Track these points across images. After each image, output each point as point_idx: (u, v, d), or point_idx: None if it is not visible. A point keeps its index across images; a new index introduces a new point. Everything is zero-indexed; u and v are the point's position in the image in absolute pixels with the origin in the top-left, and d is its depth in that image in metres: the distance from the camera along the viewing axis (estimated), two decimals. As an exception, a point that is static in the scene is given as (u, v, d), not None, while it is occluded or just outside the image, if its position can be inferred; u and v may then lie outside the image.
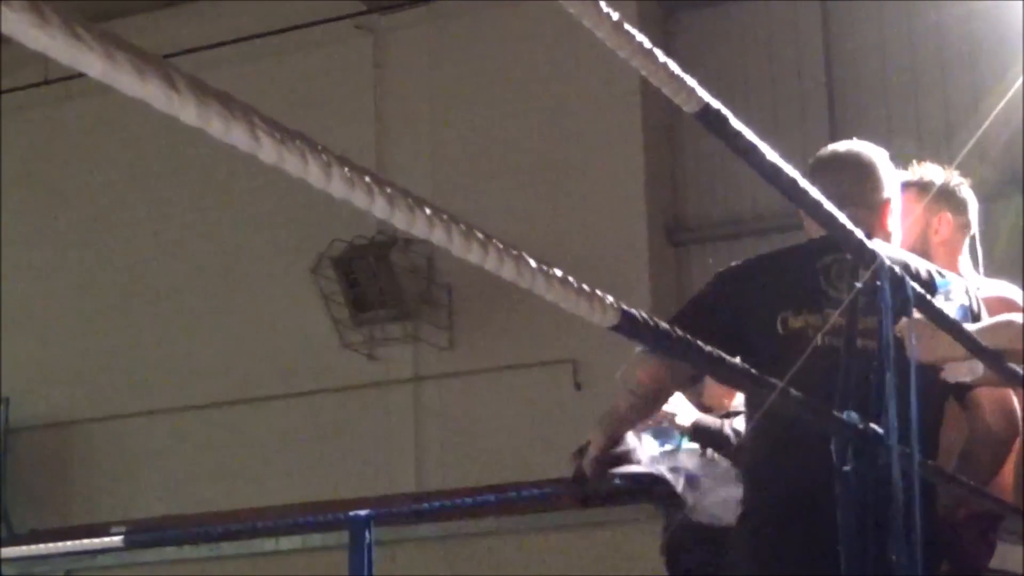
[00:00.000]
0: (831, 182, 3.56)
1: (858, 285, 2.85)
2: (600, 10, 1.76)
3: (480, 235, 1.44)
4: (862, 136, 4.09)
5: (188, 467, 11.20)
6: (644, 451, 4.59)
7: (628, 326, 1.70)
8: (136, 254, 11.63)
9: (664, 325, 1.79)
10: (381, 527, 6.84)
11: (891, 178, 3.86)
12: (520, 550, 9.82)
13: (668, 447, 5.09)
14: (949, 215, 4.29)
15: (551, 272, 1.55)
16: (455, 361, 10.62)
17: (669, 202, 10.66)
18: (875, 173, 3.81)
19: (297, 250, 10.87)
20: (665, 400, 4.10)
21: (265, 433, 11.06)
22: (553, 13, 9.94)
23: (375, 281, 10.52)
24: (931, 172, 4.34)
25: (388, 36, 11.18)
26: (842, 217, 2.61)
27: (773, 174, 2.28)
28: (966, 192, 4.35)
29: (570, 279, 1.58)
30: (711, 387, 5.21)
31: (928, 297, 3.15)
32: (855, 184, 3.74)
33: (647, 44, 1.90)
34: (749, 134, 2.20)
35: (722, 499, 4.82)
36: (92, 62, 1.12)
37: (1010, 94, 8.36)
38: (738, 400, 5.00)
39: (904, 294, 2.89)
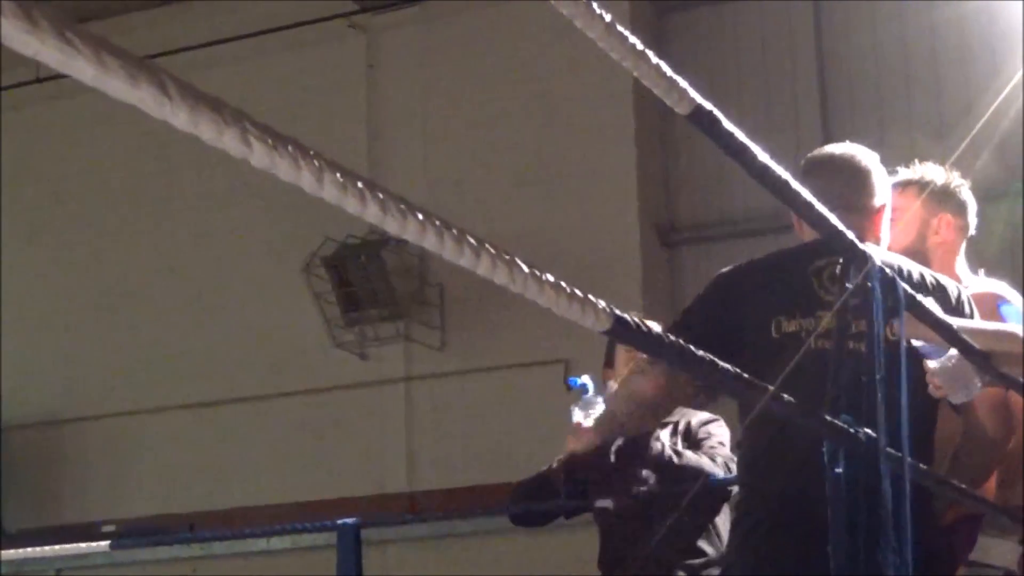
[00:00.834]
0: (824, 184, 3.56)
1: (849, 287, 2.85)
2: (592, 11, 1.76)
3: (472, 240, 1.44)
4: (855, 136, 4.09)
5: (179, 466, 11.19)
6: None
7: (620, 331, 1.70)
8: (128, 253, 11.62)
9: (656, 330, 1.79)
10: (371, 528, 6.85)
11: (884, 184, 3.86)
12: (513, 548, 9.82)
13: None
14: (949, 216, 4.30)
15: (543, 277, 1.55)
16: (447, 361, 10.62)
17: (662, 203, 10.66)
18: (869, 179, 3.81)
19: (289, 249, 10.86)
20: (666, 413, 4.09)
21: (257, 432, 11.05)
22: (546, 14, 9.94)
23: (367, 281, 10.52)
24: (932, 172, 4.34)
25: (381, 35, 11.17)
26: (833, 219, 2.61)
27: (764, 175, 2.29)
28: (966, 194, 4.35)
29: (562, 284, 1.58)
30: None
31: (919, 299, 3.15)
32: (849, 188, 3.75)
33: (639, 45, 1.90)
34: (740, 135, 2.21)
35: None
36: (83, 67, 1.12)
37: (1003, 95, 8.38)
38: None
39: (895, 296, 2.89)
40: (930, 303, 3.25)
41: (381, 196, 1.33)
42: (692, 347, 1.86)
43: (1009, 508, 3.89)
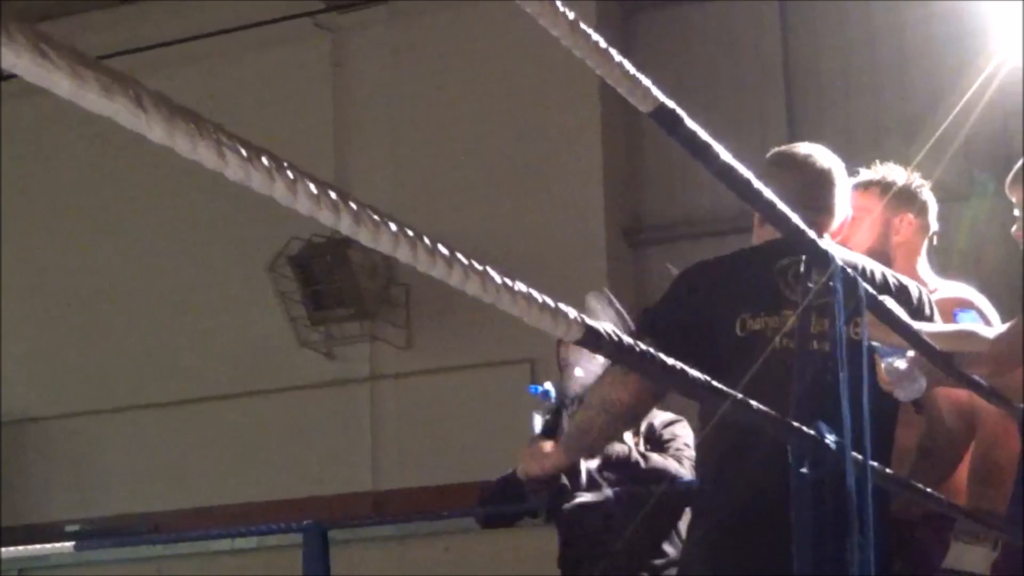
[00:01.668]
0: (788, 184, 3.58)
1: (811, 286, 2.87)
2: (556, 9, 1.77)
3: (445, 251, 1.45)
4: (821, 135, 4.11)
5: (144, 465, 11.15)
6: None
7: (592, 340, 1.71)
8: (93, 252, 11.58)
9: (628, 339, 1.80)
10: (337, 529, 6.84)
11: (846, 186, 3.89)
12: (478, 548, 9.82)
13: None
14: (911, 216, 4.33)
15: (515, 287, 1.56)
16: (413, 360, 10.62)
17: (627, 203, 10.67)
18: (831, 180, 3.83)
19: (254, 248, 10.83)
20: (644, 416, 4.07)
21: (222, 431, 11.03)
22: (513, 14, 9.93)
23: (333, 280, 10.50)
24: (894, 172, 4.37)
25: (347, 35, 11.16)
26: (795, 218, 2.63)
27: (727, 174, 2.30)
28: (928, 195, 4.39)
29: (534, 294, 1.59)
30: None
31: (880, 299, 3.17)
32: (812, 188, 3.76)
33: (602, 43, 1.91)
34: (703, 134, 2.22)
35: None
36: (60, 81, 1.12)
37: (968, 94, 8.42)
38: None
39: (857, 296, 2.91)
40: (892, 303, 3.28)
41: (355, 207, 1.34)
42: (662, 353, 1.87)
43: (979, 512, 3.91)
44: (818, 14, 10.32)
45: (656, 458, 4.86)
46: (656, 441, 5.04)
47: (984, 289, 4.40)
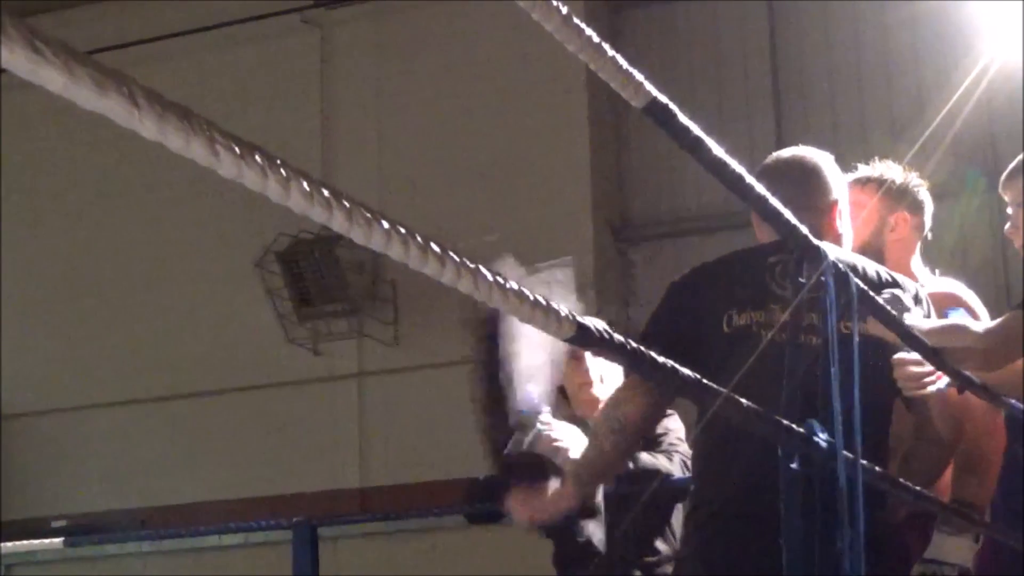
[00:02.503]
0: (775, 188, 3.59)
1: (803, 281, 2.87)
2: (550, 4, 1.77)
3: (436, 248, 1.45)
4: (808, 134, 4.12)
5: (131, 461, 11.14)
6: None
7: (583, 338, 1.71)
8: (77, 247, 11.56)
9: (618, 337, 1.80)
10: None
11: (837, 181, 3.89)
12: (465, 544, 9.83)
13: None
14: (906, 214, 4.34)
15: (507, 286, 1.56)
16: (400, 357, 10.62)
17: (615, 200, 10.68)
18: (820, 176, 3.84)
19: (242, 244, 10.83)
20: (653, 430, 4.03)
21: (209, 428, 11.02)
22: (501, 9, 9.96)
23: (320, 276, 10.50)
24: (891, 170, 4.39)
25: (334, 30, 11.16)
26: (787, 213, 2.63)
27: (719, 169, 2.30)
28: (924, 194, 4.41)
29: (526, 292, 1.59)
30: (578, 396, 5.10)
31: (872, 295, 3.18)
32: (799, 188, 3.76)
33: (595, 38, 1.91)
34: (696, 129, 2.22)
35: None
36: (53, 77, 1.11)
37: (957, 95, 8.43)
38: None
39: (849, 291, 2.91)
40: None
41: (347, 205, 1.34)
42: (653, 353, 1.87)
43: (961, 506, 3.92)
44: (804, 14, 10.33)
45: (645, 457, 4.83)
46: (648, 436, 5.02)
47: (971, 285, 4.42)
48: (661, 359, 1.87)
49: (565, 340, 1.74)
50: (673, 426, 4.92)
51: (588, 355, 5.05)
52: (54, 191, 11.68)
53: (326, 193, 1.32)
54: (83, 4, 11.53)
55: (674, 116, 2.14)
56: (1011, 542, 4.27)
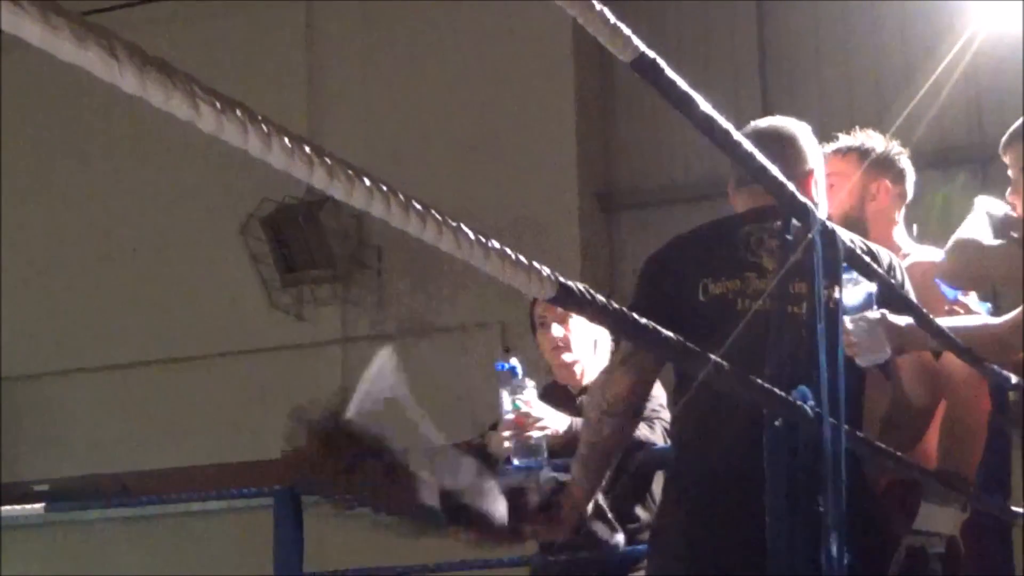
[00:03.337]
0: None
1: (789, 239, 2.86)
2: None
3: (419, 206, 1.44)
4: (795, 107, 4.12)
5: (114, 427, 11.14)
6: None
7: (565, 298, 1.71)
8: (60, 214, 11.52)
9: (600, 297, 1.80)
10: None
11: (813, 150, 3.89)
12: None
13: (526, 465, 4.88)
14: (888, 183, 4.34)
15: (489, 244, 1.55)
16: (384, 323, 10.61)
17: (601, 169, 10.67)
18: (795, 145, 3.84)
19: (225, 209, 10.81)
20: (644, 405, 4.01)
21: (193, 393, 11.01)
22: (487, -24, 9.98)
23: (304, 242, 10.48)
24: (873, 139, 4.38)
25: (320, -2, 11.12)
26: (774, 169, 2.61)
27: (707, 125, 2.29)
28: (906, 163, 4.41)
29: (508, 251, 1.58)
30: (553, 362, 5.10)
31: (859, 253, 3.18)
32: (775, 157, 3.76)
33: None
34: (684, 84, 2.20)
35: None
36: (31, 29, 1.11)
37: (943, 65, 8.43)
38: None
39: (835, 250, 2.91)
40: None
41: (328, 162, 1.33)
42: (634, 315, 1.87)
43: (946, 475, 3.93)
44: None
45: None
46: None
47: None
48: (643, 321, 1.87)
49: (547, 300, 1.74)
50: (655, 393, 4.91)
51: (555, 324, 5.06)
52: (35, 160, 11.63)
53: (307, 150, 1.31)
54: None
55: (662, 72, 2.12)
56: (996, 511, 4.29)
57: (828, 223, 2.94)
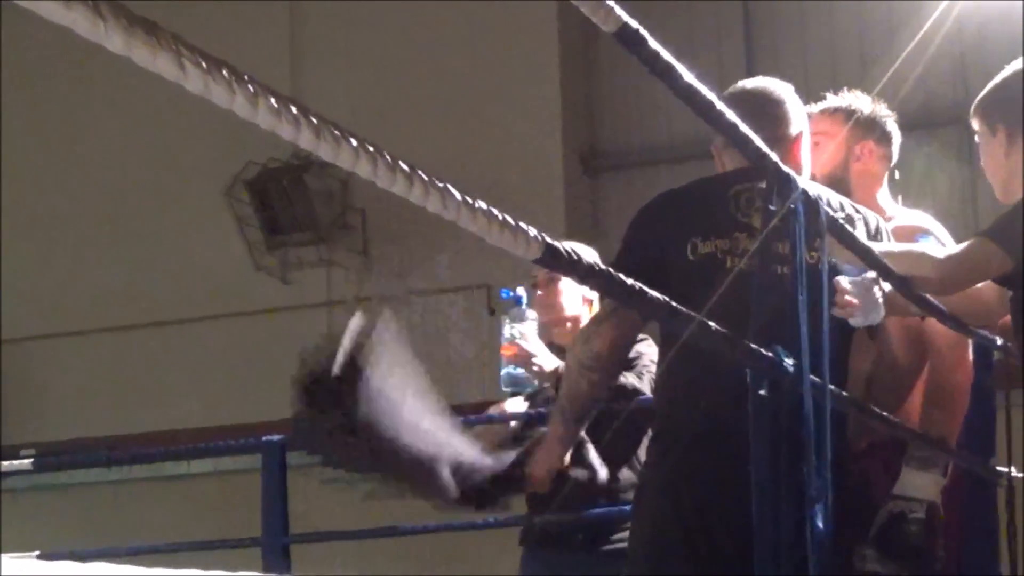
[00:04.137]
0: (739, 118, 3.59)
1: (772, 208, 2.87)
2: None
3: (405, 167, 1.44)
4: (777, 65, 4.11)
5: (99, 390, 11.13)
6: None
7: (551, 259, 1.71)
8: (44, 176, 11.48)
9: (586, 258, 1.80)
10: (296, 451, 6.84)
11: (799, 112, 3.89)
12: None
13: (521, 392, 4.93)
14: (873, 144, 4.34)
15: (475, 205, 1.55)
16: (369, 285, 10.61)
17: (585, 130, 10.66)
18: (782, 107, 3.84)
19: (210, 172, 10.78)
20: (624, 362, 4.02)
21: (177, 356, 11.01)
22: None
23: (289, 204, 10.47)
24: (859, 101, 4.38)
25: (304, -42, 11.06)
26: (757, 140, 2.62)
27: (690, 96, 2.29)
28: (892, 125, 4.40)
29: (494, 212, 1.58)
30: (549, 326, 5.12)
31: (841, 222, 3.18)
32: (762, 119, 3.76)
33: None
34: (666, 55, 2.20)
35: None
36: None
37: (925, 28, 8.42)
38: None
39: (818, 219, 2.92)
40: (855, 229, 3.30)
41: (315, 122, 1.33)
42: (620, 270, 1.87)
43: (929, 438, 3.95)
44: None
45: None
46: None
47: (940, 218, 4.42)
48: (630, 281, 1.87)
49: (534, 261, 1.74)
50: (646, 350, 4.91)
51: (545, 284, 5.08)
52: (19, 122, 11.57)
53: (294, 110, 1.31)
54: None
55: (645, 42, 2.12)
56: (980, 470, 4.31)
57: (811, 191, 2.94)
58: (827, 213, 2.93)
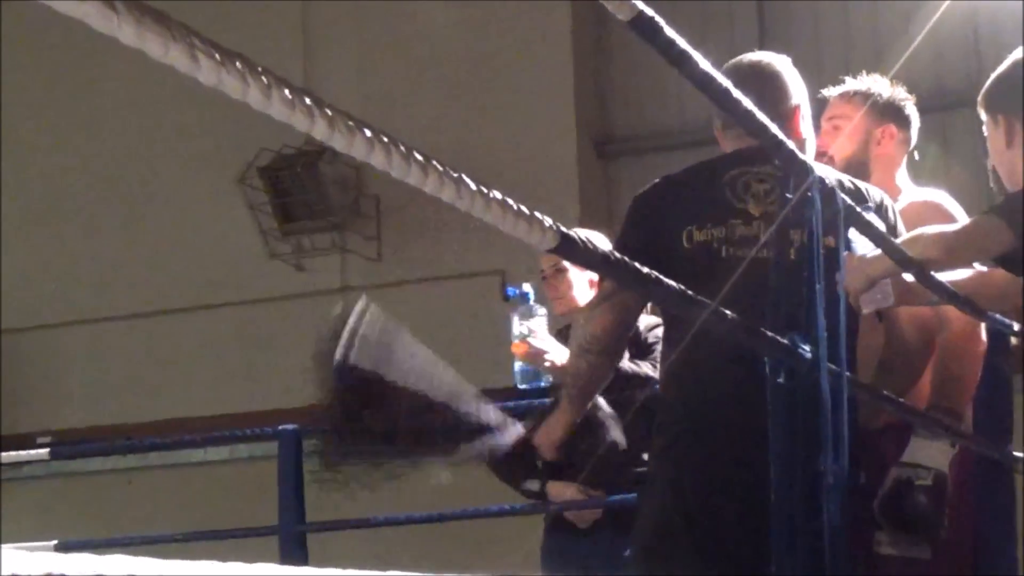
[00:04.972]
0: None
1: (789, 196, 2.86)
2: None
3: (420, 157, 1.44)
4: (790, 47, 4.09)
5: (113, 378, 11.15)
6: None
7: (566, 248, 1.71)
8: (59, 163, 11.49)
9: (602, 248, 1.79)
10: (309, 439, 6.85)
11: (797, 85, 3.90)
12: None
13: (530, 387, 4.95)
14: (894, 128, 4.35)
15: (490, 195, 1.55)
16: (383, 272, 10.60)
17: (598, 114, 10.64)
18: (779, 81, 3.84)
19: (223, 159, 10.78)
20: (624, 343, 4.03)
21: (192, 344, 11.02)
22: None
23: (303, 191, 10.46)
24: (879, 84, 4.38)
25: (315, -57, 11.05)
26: (773, 127, 2.61)
27: (705, 84, 2.28)
28: (911, 109, 4.41)
29: (509, 201, 1.58)
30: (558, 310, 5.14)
31: (859, 210, 3.18)
32: (761, 95, 3.76)
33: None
34: (682, 43, 2.19)
35: None
36: (29, -18, 1.10)
37: (941, 10, 8.40)
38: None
39: (835, 206, 2.91)
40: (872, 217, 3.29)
41: (329, 113, 1.33)
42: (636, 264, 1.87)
43: (939, 410, 3.94)
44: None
45: (626, 364, 4.82)
46: (641, 345, 5.02)
47: (955, 198, 4.41)
48: (645, 270, 1.87)
49: (548, 251, 1.73)
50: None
51: (554, 271, 5.11)
52: (31, 109, 11.59)
53: (308, 101, 1.30)
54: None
55: (660, 30, 2.11)
56: (998, 457, 4.31)
57: (826, 177, 2.93)
58: (844, 200, 2.92)
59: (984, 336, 4.11)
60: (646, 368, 4.78)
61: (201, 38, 1.20)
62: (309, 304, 10.76)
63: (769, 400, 2.80)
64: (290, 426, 6.08)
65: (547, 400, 4.42)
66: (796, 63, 3.96)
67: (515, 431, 3.75)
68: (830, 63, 8.94)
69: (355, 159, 1.46)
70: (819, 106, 4.38)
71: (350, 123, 1.34)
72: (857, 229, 3.21)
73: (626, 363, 4.83)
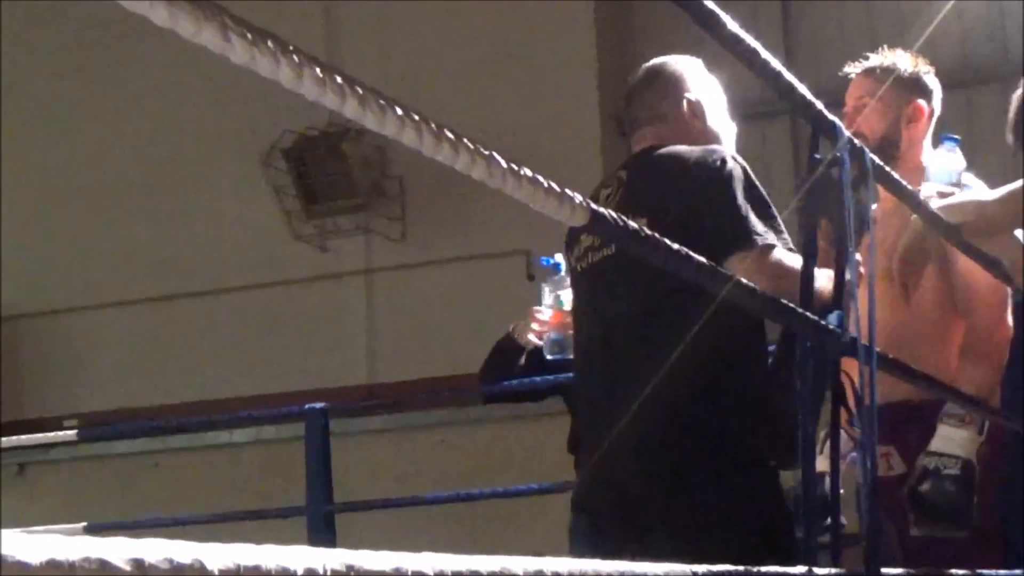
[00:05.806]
0: (638, 104, 3.74)
1: (817, 157, 2.84)
2: None
3: (451, 135, 1.43)
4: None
5: (139, 361, 11.18)
6: None
7: (598, 225, 1.70)
8: (81, 146, 11.52)
9: (632, 224, 1.79)
10: (335, 419, 6.87)
11: (698, 81, 3.90)
12: (473, 439, 9.87)
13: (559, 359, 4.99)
14: (922, 102, 4.33)
15: (521, 172, 1.54)
16: (407, 253, 10.61)
17: (621, 92, 10.60)
18: (667, 76, 3.90)
19: (247, 141, 10.79)
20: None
21: (217, 326, 11.05)
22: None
23: (326, 172, 10.47)
24: (901, 59, 4.37)
25: (337, -76, 11.04)
26: (802, 88, 2.58)
27: (735, 45, 2.26)
28: (933, 80, 4.40)
29: (540, 178, 1.58)
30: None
31: (887, 169, 3.17)
32: (643, 99, 3.86)
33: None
34: (711, 3, 2.18)
35: None
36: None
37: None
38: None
39: (864, 167, 2.91)
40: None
41: (360, 91, 1.32)
42: (667, 241, 1.87)
43: (965, 396, 3.94)
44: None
45: None
46: None
47: (979, 174, 4.40)
48: (675, 246, 1.87)
49: (580, 228, 1.73)
50: None
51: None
52: (53, 93, 11.61)
53: (339, 80, 1.30)
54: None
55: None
56: (1018, 429, 4.30)
57: (857, 142, 2.92)
58: (872, 160, 2.91)
59: (1010, 317, 4.12)
60: None
61: (233, 17, 1.20)
62: (333, 285, 10.79)
63: (799, 376, 2.79)
64: (317, 404, 6.09)
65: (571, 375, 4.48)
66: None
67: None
68: (855, 36, 8.91)
69: (379, 139, 1.46)
70: (843, 84, 4.38)
71: (381, 101, 1.34)
72: (887, 189, 3.21)
73: None
